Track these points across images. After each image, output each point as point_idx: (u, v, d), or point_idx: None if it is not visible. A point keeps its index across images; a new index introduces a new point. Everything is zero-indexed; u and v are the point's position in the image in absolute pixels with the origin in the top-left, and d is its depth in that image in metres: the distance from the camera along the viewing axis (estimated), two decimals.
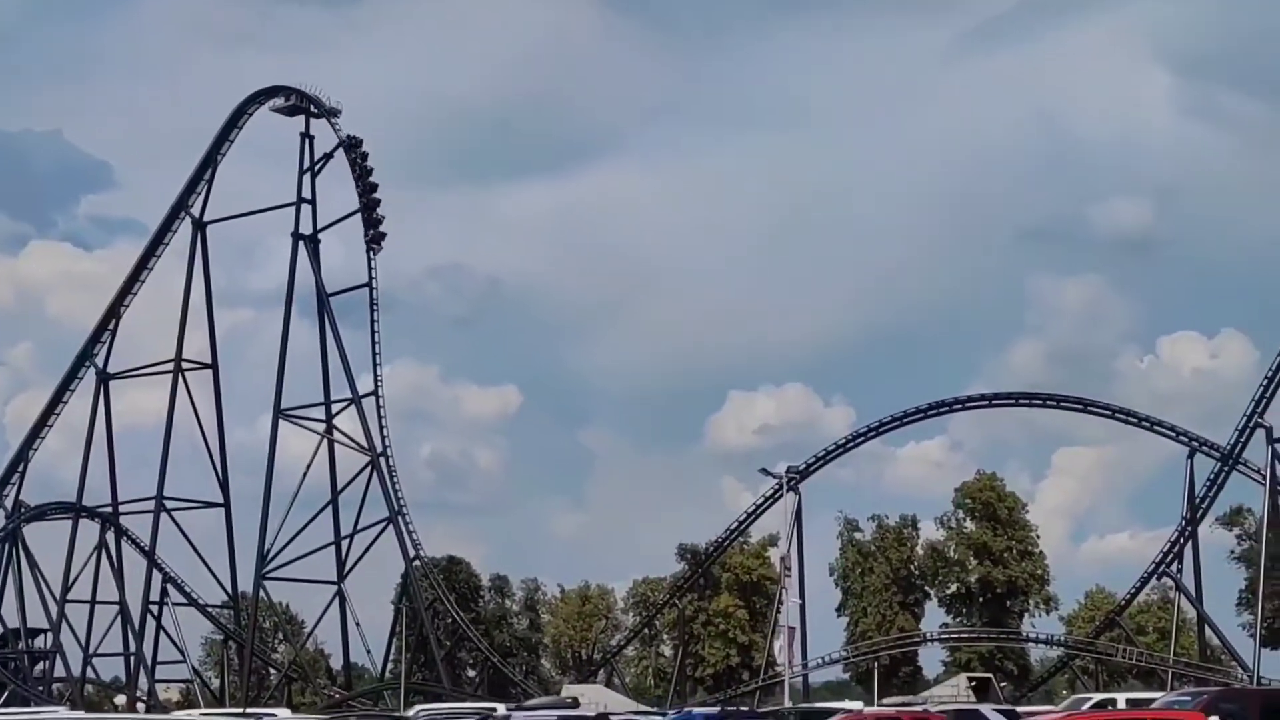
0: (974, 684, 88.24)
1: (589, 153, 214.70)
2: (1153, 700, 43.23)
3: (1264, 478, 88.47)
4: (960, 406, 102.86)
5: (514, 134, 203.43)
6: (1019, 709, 48.82)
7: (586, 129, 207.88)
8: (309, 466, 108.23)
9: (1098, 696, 55.85)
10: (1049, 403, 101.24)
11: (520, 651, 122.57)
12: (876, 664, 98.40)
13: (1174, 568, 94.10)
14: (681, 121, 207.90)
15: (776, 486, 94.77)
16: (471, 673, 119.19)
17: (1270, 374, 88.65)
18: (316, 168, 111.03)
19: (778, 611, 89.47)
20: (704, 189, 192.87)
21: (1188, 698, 37.87)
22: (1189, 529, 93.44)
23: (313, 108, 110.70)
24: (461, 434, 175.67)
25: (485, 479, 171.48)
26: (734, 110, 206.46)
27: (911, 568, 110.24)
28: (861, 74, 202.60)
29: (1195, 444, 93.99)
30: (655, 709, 69.75)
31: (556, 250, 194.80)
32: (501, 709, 53.62)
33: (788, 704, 64.38)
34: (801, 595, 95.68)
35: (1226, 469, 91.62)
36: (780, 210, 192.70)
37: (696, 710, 53.80)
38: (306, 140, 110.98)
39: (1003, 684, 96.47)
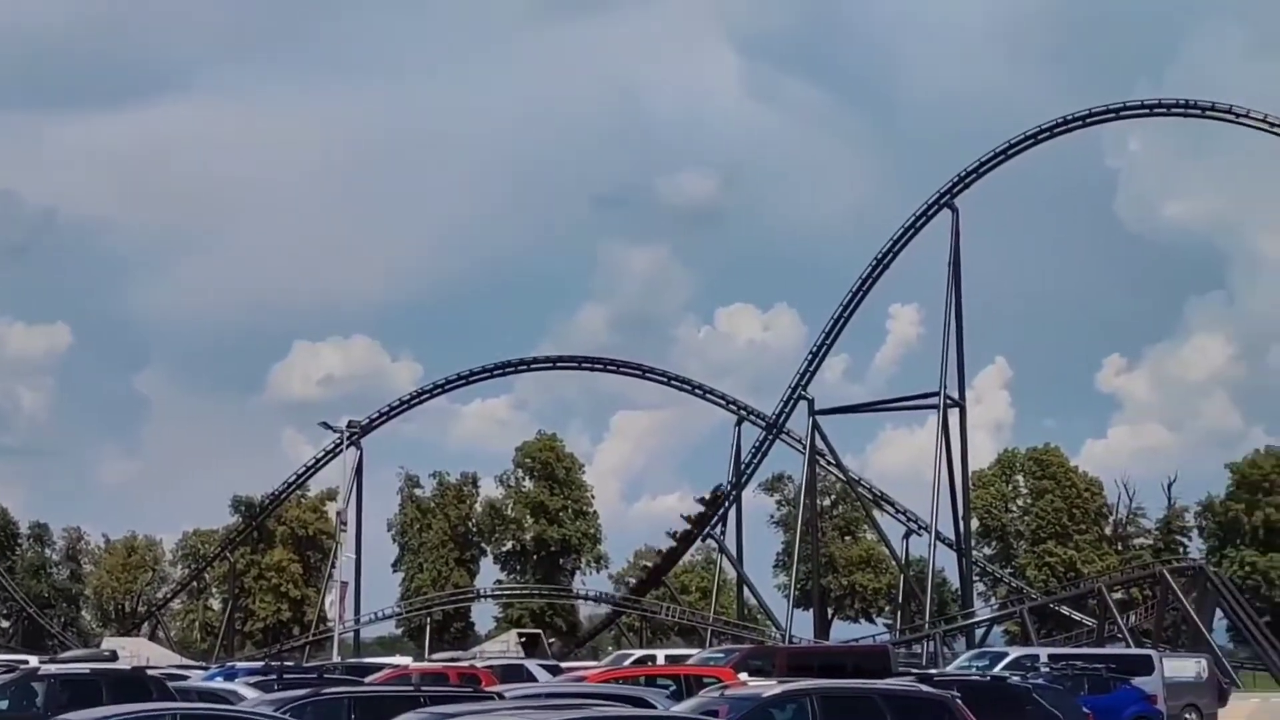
0: (524, 640, 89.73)
1: (161, 86, 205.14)
2: (689, 656, 45.07)
3: (804, 447, 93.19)
4: (525, 367, 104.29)
5: (77, 61, 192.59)
6: (564, 664, 49.91)
7: (158, 62, 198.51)
8: None
9: (639, 653, 57.63)
10: (610, 367, 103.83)
11: (59, 603, 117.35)
12: (430, 619, 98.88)
13: (718, 530, 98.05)
14: (258, 61, 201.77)
15: (338, 440, 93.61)
16: (5, 624, 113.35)
17: (814, 348, 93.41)
18: None
19: (333, 566, 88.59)
20: (278, 132, 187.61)
21: (721, 654, 39.76)
22: (734, 493, 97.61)
23: None
24: (3, 373, 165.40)
25: (28, 421, 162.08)
26: (313, 54, 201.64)
27: (470, 525, 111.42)
28: (444, 28, 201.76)
29: (743, 412, 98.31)
30: (200, 663, 67.89)
31: (121, 185, 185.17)
32: (34, 661, 51.02)
33: (336, 658, 63.71)
34: (358, 550, 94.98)
35: (771, 437, 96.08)
36: (355, 159, 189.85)
37: (241, 665, 52.55)
38: None
39: (552, 640, 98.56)
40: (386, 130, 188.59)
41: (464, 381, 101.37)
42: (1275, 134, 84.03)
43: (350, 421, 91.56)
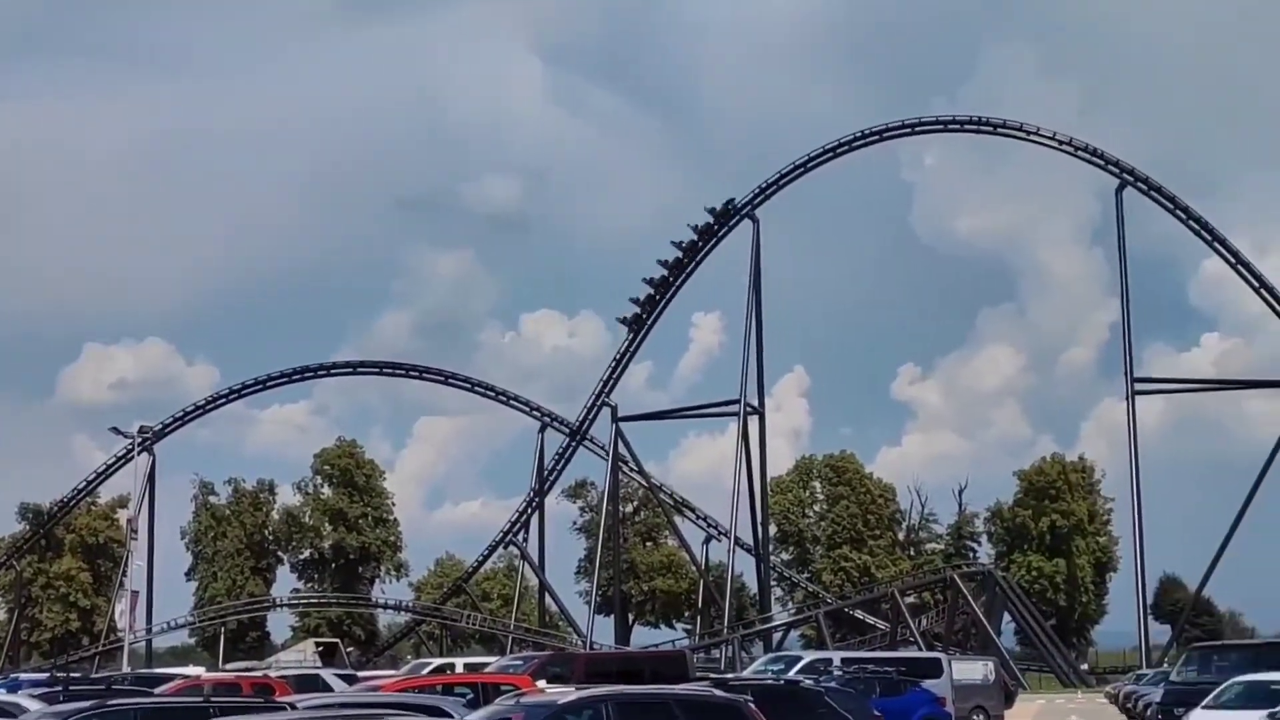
0: (321, 649, 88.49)
1: None
2: (488, 664, 44.90)
3: (607, 454, 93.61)
4: (326, 372, 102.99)
5: None
6: (361, 674, 49.32)
7: None
8: None
9: (437, 661, 57.24)
10: (412, 373, 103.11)
11: None
12: (224, 629, 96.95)
13: (520, 536, 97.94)
14: (56, 55, 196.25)
15: (129, 446, 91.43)
16: None
17: (618, 356, 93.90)
18: None
19: (123, 575, 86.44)
20: (75, 128, 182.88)
21: (520, 661, 39.63)
22: (537, 500, 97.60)
23: None
24: None
25: None
26: (110, 50, 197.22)
27: (266, 533, 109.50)
28: (247, 27, 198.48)
29: (547, 419, 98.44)
30: None
31: None
32: None
33: (126, 669, 62.09)
34: (150, 559, 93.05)
35: (574, 444, 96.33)
36: (151, 158, 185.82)
37: (25, 676, 50.92)
38: None
39: (350, 649, 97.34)
40: (184, 129, 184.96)
41: (261, 386, 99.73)
42: (1064, 151, 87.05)
43: (142, 427, 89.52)
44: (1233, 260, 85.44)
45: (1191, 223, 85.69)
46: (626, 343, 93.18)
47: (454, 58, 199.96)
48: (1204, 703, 30.76)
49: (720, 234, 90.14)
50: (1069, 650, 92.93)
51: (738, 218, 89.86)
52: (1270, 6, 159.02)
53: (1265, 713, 27.36)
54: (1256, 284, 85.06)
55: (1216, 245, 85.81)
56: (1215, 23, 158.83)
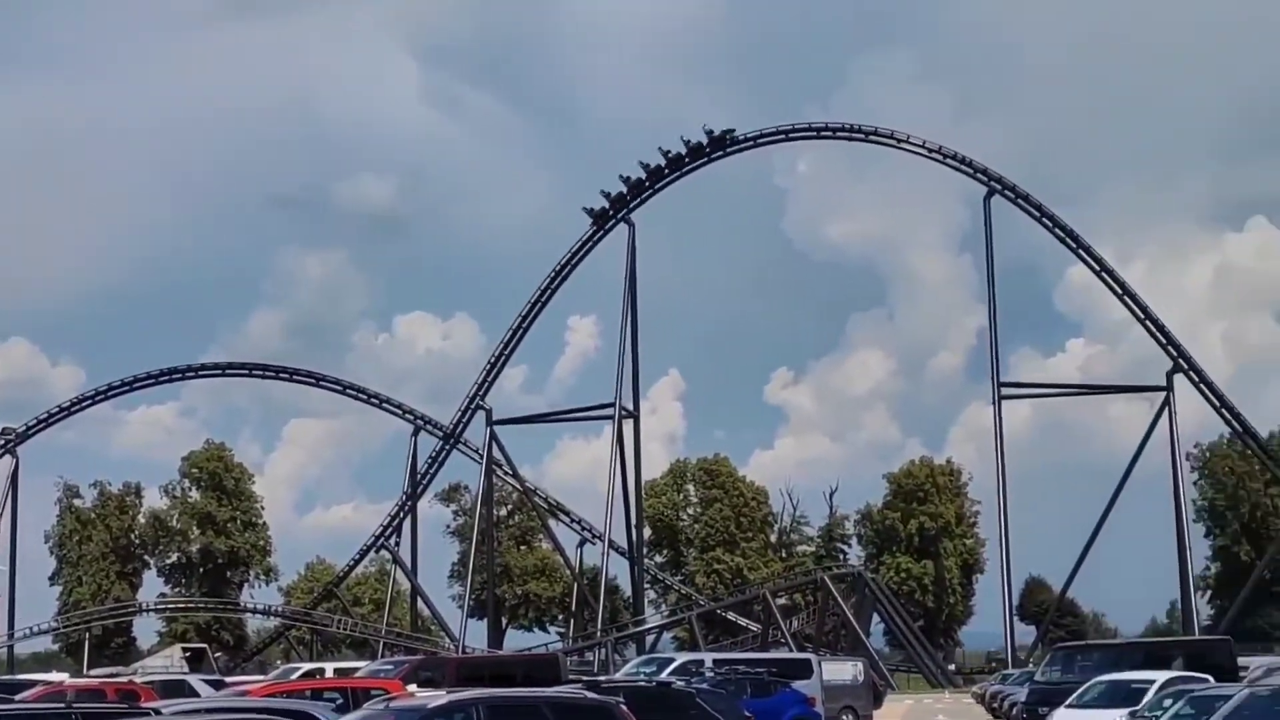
0: (188, 654, 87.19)
1: None
2: (358, 669, 44.54)
3: (481, 457, 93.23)
4: (194, 374, 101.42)
5: None
6: (229, 679, 48.66)
7: None
8: None
9: (307, 666, 56.64)
10: (282, 374, 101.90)
11: None
12: (89, 634, 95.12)
13: (393, 540, 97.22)
14: None
15: None
16: None
17: (493, 359, 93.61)
18: None
19: None
20: None
21: (391, 666, 39.35)
22: (409, 503, 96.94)
23: None
24: None
25: None
26: None
27: (133, 536, 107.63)
28: (116, 24, 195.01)
29: (420, 422, 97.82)
30: None
31: None
32: None
33: None
34: (12, 563, 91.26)
35: (448, 447, 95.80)
36: (17, 156, 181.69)
37: None
38: None
39: (218, 654, 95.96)
40: (51, 127, 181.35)
41: (128, 388, 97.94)
42: (934, 159, 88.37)
43: (4, 428, 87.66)
44: (1097, 268, 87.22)
45: (1057, 230, 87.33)
46: (501, 345, 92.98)
47: (327, 57, 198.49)
48: (1067, 702, 31.48)
49: (596, 238, 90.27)
50: (937, 651, 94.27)
51: (613, 221, 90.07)
52: (1137, 19, 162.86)
53: (1126, 711, 28.06)
54: (1120, 291, 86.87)
55: (1081, 253, 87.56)
56: (1084, 34, 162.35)
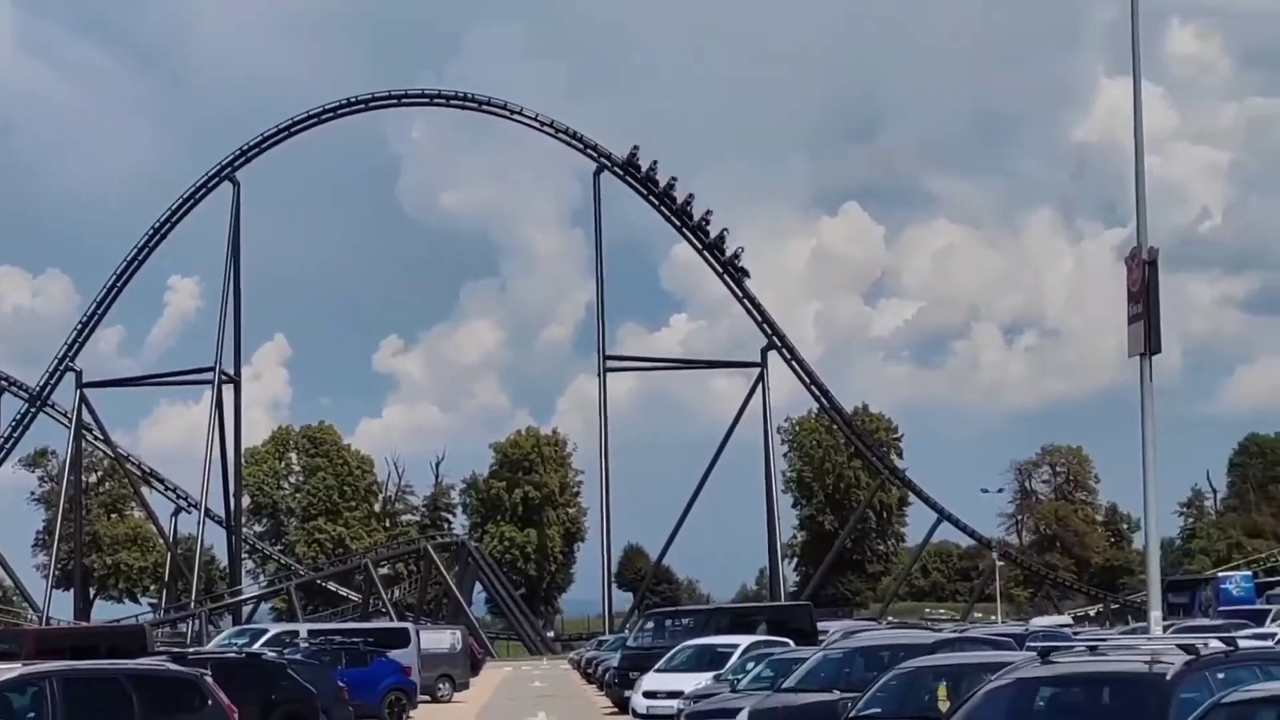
0: None
1: None
2: None
3: (70, 421, 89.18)
4: None
5: None
6: None
7: None
8: None
9: None
10: None
11: None
12: None
13: None
14: None
15: None
16: None
17: (85, 318, 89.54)
18: None
19: None
20: None
21: None
22: None
23: None
24: None
25: None
26: None
27: None
28: None
29: (4, 383, 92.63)
30: None
31: None
32: None
33: None
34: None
35: (34, 410, 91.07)
36: None
37: None
38: None
39: None
40: None
41: None
42: (545, 132, 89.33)
43: None
44: (699, 246, 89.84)
45: (663, 209, 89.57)
46: (95, 304, 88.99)
47: None
48: (656, 666, 32.33)
49: (198, 196, 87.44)
50: (538, 618, 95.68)
51: (217, 179, 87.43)
52: (745, 12, 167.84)
53: (712, 674, 29.05)
54: (720, 269, 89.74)
55: (685, 231, 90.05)
56: (693, 21, 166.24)
